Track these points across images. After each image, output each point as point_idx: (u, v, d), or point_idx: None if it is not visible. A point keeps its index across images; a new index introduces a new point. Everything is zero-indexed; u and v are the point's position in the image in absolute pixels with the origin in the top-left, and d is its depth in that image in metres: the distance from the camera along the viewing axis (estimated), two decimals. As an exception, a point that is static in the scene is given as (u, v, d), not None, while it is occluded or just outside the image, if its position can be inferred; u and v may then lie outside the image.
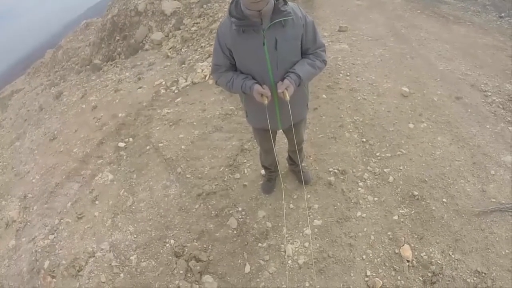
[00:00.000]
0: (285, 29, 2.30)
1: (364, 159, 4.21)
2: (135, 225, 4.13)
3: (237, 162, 4.54)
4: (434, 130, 4.51)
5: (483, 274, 2.97)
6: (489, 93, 5.09)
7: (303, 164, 3.91)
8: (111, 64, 12.24)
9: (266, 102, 2.37)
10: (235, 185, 4.23)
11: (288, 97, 2.30)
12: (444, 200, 3.62)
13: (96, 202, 4.79)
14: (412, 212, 3.56)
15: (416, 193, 3.71)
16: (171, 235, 3.85)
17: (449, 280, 2.98)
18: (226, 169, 4.47)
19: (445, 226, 3.39)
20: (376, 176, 3.98)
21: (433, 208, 3.56)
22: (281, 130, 3.06)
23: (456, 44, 6.64)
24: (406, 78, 5.61)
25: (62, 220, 4.75)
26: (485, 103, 4.93)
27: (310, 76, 2.53)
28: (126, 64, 11.29)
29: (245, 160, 4.55)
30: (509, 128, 4.44)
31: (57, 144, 7.47)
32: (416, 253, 3.21)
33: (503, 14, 7.90)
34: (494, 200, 3.56)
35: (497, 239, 3.23)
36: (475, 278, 2.97)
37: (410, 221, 3.48)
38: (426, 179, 3.85)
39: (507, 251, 3.12)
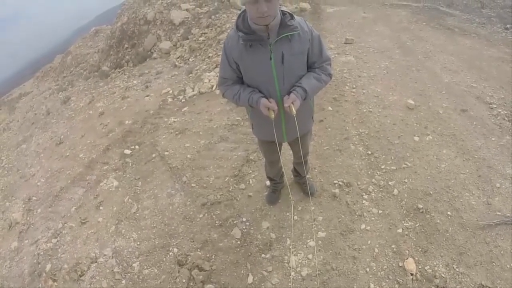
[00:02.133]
0: (292, 43, 2.31)
1: (369, 172, 4.21)
2: (139, 232, 4.12)
3: (242, 173, 4.52)
4: (439, 143, 4.51)
5: None
6: (495, 106, 5.11)
7: (308, 176, 3.83)
8: (119, 72, 12.32)
9: (273, 116, 2.38)
10: (240, 195, 4.21)
11: (294, 111, 2.31)
12: (449, 213, 3.61)
13: (101, 207, 4.78)
14: (417, 225, 3.54)
15: (420, 206, 3.70)
16: (174, 243, 3.83)
17: None
18: (231, 179, 4.45)
19: (449, 239, 3.36)
20: (381, 189, 3.97)
21: (438, 221, 3.54)
22: (286, 142, 3.04)
23: (461, 56, 6.67)
24: (412, 90, 5.64)
25: (65, 224, 4.75)
26: (490, 115, 4.94)
27: (316, 90, 2.53)
28: (134, 72, 11.34)
29: (251, 171, 4.53)
30: (514, 141, 4.44)
31: (63, 149, 7.50)
32: (420, 267, 3.17)
33: (508, 26, 7.94)
34: (499, 213, 3.55)
35: (502, 252, 3.21)
36: None
37: (415, 234, 3.46)
38: (431, 192, 3.85)
39: None
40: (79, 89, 12.86)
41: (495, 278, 3.02)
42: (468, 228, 3.44)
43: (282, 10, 2.28)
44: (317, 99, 5.55)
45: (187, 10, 12.09)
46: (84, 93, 11.89)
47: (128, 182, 5.09)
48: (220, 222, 3.93)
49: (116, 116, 7.85)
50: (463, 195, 3.79)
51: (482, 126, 4.73)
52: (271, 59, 2.31)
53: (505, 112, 4.96)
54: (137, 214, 4.39)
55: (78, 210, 4.95)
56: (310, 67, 2.55)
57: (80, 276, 3.90)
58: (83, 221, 4.65)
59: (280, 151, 2.92)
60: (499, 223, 3.44)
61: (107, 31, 17.06)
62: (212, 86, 7.14)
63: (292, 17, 2.29)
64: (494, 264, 3.12)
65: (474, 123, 4.80)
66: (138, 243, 3.99)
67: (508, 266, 3.10)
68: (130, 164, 5.54)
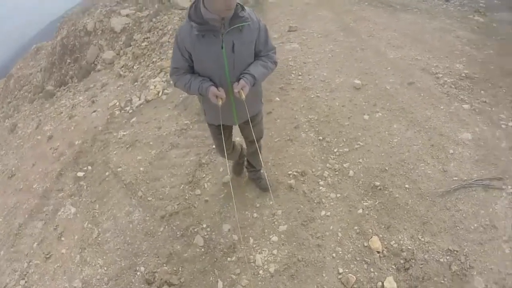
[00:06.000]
0: (242, 33, 2.44)
1: (322, 157, 4.15)
2: (104, 257, 3.96)
3: (196, 178, 4.42)
4: (389, 118, 4.50)
5: (455, 252, 3.00)
6: (440, 75, 5.16)
7: (262, 171, 3.90)
8: (64, 89, 11.79)
9: (220, 103, 2.48)
10: (197, 201, 4.11)
11: (244, 96, 2.44)
12: (407, 186, 3.61)
13: (62, 238, 4.58)
14: (376, 203, 3.54)
15: (378, 183, 3.68)
16: (140, 262, 3.71)
17: (422, 264, 2.99)
18: (186, 187, 4.35)
19: (410, 211, 3.38)
20: (337, 173, 3.93)
21: (397, 195, 3.54)
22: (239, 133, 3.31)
23: (404, 32, 6.72)
24: (358, 70, 5.61)
25: (30, 263, 4.53)
26: (437, 85, 4.98)
27: (263, 76, 2.67)
28: (79, 88, 10.90)
29: (204, 175, 4.43)
30: (463, 106, 4.49)
31: (16, 182, 7.11)
32: (385, 243, 3.19)
33: None
34: (456, 178, 3.59)
35: (464, 215, 3.26)
36: (448, 257, 2.99)
37: (375, 212, 3.46)
38: (387, 168, 3.83)
39: (475, 225, 3.16)
40: (25, 114, 12.27)
41: (461, 241, 3.08)
42: (427, 198, 3.47)
43: None
44: (263, 91, 5.38)
45: (127, 15, 11.75)
46: (30, 117, 11.36)
47: (85, 206, 4.91)
48: (181, 232, 3.83)
49: (65, 138, 7.53)
50: (418, 166, 3.79)
51: (430, 96, 4.76)
52: (222, 48, 2.43)
53: (451, 80, 5.01)
54: (99, 239, 4.23)
55: (40, 245, 4.73)
56: (256, 55, 2.68)
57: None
58: (47, 256, 4.45)
59: (230, 135, 3.22)
60: (457, 187, 3.49)
61: (48, 47, 16.28)
62: (159, 92, 6.95)
63: (243, 8, 2.41)
64: (458, 227, 3.18)
65: (422, 94, 4.82)
66: (105, 268, 3.84)
67: (471, 227, 3.16)
68: (85, 187, 5.33)
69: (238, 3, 2.37)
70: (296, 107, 5.03)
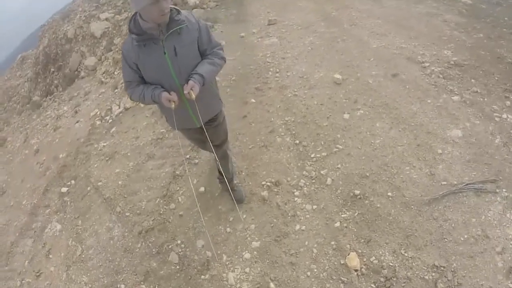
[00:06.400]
0: (181, 36, 2.47)
1: (298, 164, 3.84)
2: (88, 274, 3.88)
3: (171, 191, 4.24)
4: (371, 116, 4.16)
5: (442, 268, 2.72)
6: (427, 64, 4.82)
7: (235, 182, 3.73)
8: (50, 99, 11.50)
9: (173, 106, 2.49)
10: (172, 216, 3.95)
11: (193, 96, 2.44)
12: (389, 194, 3.29)
13: (50, 256, 4.50)
14: (356, 214, 3.24)
15: (357, 192, 3.37)
16: (120, 279, 3.61)
17: (405, 282, 2.71)
18: (161, 201, 4.18)
19: (393, 223, 3.09)
20: (313, 181, 3.62)
21: (378, 205, 3.23)
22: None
23: (389, 18, 6.42)
24: (338, 63, 5.29)
25: (23, 281, 4.47)
26: (423, 75, 4.65)
27: (212, 73, 2.66)
28: (64, 97, 10.65)
29: (178, 187, 4.24)
30: (452, 98, 4.15)
31: (6, 199, 6.98)
32: (364, 259, 2.93)
33: None
34: (444, 182, 3.26)
35: (452, 225, 2.95)
36: (433, 274, 2.71)
37: (354, 225, 3.16)
38: (368, 174, 3.51)
39: (465, 236, 2.88)
40: (14, 126, 12.06)
41: (449, 255, 2.78)
42: (412, 207, 3.17)
43: None
44: (240, 93, 5.28)
45: (106, 19, 11.38)
46: (19, 130, 11.16)
47: (70, 222, 4.81)
48: (157, 249, 3.69)
49: (50, 151, 7.37)
50: (403, 170, 3.47)
51: (416, 88, 4.42)
52: (165, 53, 2.46)
53: (439, 69, 4.67)
54: (83, 256, 4.13)
55: (31, 263, 4.67)
56: (203, 55, 2.68)
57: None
58: (37, 274, 4.41)
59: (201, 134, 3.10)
60: (446, 193, 3.18)
61: (32, 56, 16.02)
62: None
63: (178, 12, 2.46)
64: (446, 240, 2.91)
65: (407, 86, 4.48)
66: (90, 286, 3.76)
67: (461, 238, 2.88)
68: (69, 202, 5.19)
69: (174, 8, 2.42)
70: (272, 109, 4.73)
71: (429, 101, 4.16)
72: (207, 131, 3.16)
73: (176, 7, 2.47)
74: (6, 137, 11.33)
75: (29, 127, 10.34)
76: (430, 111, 4.02)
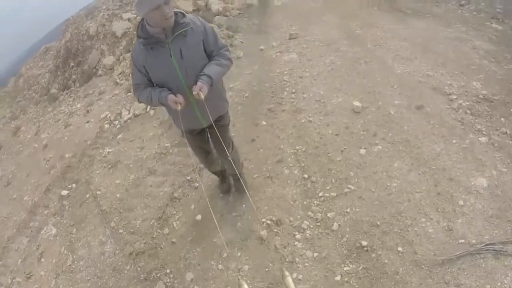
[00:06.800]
0: (187, 38, 2.55)
1: (304, 202, 3.55)
2: (76, 286, 3.83)
3: (166, 215, 4.09)
4: (390, 153, 3.83)
5: None
6: (454, 96, 4.45)
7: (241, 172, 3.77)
8: (67, 94, 11.48)
9: (179, 108, 2.55)
10: (164, 242, 3.80)
11: (202, 97, 2.49)
12: (400, 249, 2.95)
13: (42, 259, 4.49)
14: (360, 268, 2.92)
15: (365, 243, 3.05)
16: None
17: None
18: (156, 223, 4.04)
19: (400, 283, 2.75)
20: (318, 224, 3.31)
21: (386, 261, 2.90)
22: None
23: (415, 41, 6.08)
24: (359, 88, 4.98)
25: (14, 280, 4.48)
26: (450, 109, 4.28)
27: (219, 74, 2.74)
28: (79, 93, 10.60)
29: (174, 212, 4.08)
30: (479, 139, 3.78)
31: (11, 190, 6.99)
32: None
33: (463, 2, 7.45)
34: (462, 240, 2.90)
35: None
36: None
37: (357, 280, 2.85)
38: (379, 223, 3.17)
39: None
40: (29, 116, 12.09)
41: None
42: (423, 266, 2.82)
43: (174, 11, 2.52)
44: (251, 112, 5.05)
45: (128, 19, 11.26)
46: (32, 121, 11.17)
47: (65, 228, 4.78)
48: (145, 275, 3.56)
49: (58, 148, 7.34)
50: (418, 222, 3.12)
51: (441, 125, 4.06)
52: (171, 56, 2.55)
53: (467, 103, 4.29)
54: (73, 266, 4.10)
55: (23, 263, 4.67)
56: (210, 56, 2.75)
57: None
58: (28, 276, 4.41)
59: (206, 140, 3.24)
60: (462, 255, 2.81)
61: (54, 49, 16.12)
62: (147, 107, 6.54)
63: (183, 15, 2.55)
64: None
65: (432, 122, 4.13)
66: None
67: None
68: (67, 207, 5.16)
69: (179, 12, 2.52)
70: (283, 135, 4.46)
71: (454, 141, 3.81)
72: (212, 135, 3.25)
73: (181, 10, 2.58)
74: (20, 126, 11.48)
75: (42, 120, 10.38)
76: (455, 153, 3.67)
